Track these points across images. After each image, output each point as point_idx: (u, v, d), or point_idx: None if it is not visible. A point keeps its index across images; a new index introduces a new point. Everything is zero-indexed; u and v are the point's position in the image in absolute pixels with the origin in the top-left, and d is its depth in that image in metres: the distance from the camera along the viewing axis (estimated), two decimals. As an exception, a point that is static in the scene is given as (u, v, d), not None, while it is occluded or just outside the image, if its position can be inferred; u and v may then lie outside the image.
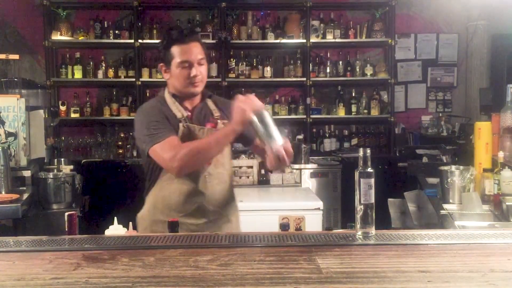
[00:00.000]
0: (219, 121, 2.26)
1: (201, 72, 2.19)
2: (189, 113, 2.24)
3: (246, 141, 2.32)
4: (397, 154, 5.57)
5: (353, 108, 5.86)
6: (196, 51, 2.18)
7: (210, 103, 2.30)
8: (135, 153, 5.66)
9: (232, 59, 5.72)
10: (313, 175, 5.07)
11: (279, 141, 1.90)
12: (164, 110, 2.19)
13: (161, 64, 2.25)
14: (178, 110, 2.20)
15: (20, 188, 3.48)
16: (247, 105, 1.96)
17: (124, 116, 5.71)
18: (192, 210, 2.19)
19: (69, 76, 5.68)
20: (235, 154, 4.23)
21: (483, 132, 3.02)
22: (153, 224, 2.23)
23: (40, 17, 5.64)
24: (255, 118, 1.92)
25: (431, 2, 6.01)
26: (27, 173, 3.58)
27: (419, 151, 5.02)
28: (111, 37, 5.67)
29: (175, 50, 2.17)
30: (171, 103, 2.22)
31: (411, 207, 3.54)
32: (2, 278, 1.41)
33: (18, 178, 3.55)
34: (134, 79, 5.65)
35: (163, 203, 2.22)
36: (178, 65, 2.17)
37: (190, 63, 2.16)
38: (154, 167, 2.22)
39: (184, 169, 2.07)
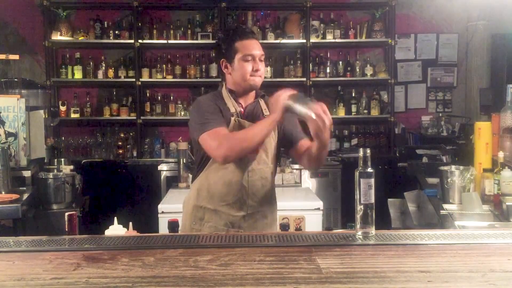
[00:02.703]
0: None
1: (261, 68, 2.31)
2: (242, 109, 2.35)
3: (289, 143, 2.38)
4: (397, 154, 5.57)
5: (353, 108, 5.86)
6: (258, 47, 2.31)
7: (262, 102, 2.41)
8: (135, 153, 5.67)
9: (232, 59, 5.71)
10: (313, 175, 5.07)
11: (315, 108, 2.01)
12: (219, 103, 2.31)
13: (222, 59, 2.37)
14: (232, 105, 2.32)
15: (20, 188, 3.49)
16: (280, 94, 2.11)
17: (124, 116, 5.71)
18: (233, 201, 2.29)
19: (69, 76, 5.69)
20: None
21: (483, 132, 3.02)
22: (195, 210, 2.33)
23: (40, 17, 5.65)
24: (289, 102, 2.06)
25: (431, 2, 6.01)
26: (27, 173, 3.59)
27: (419, 151, 5.02)
28: (111, 37, 5.67)
29: (239, 45, 2.30)
30: (227, 98, 2.34)
31: (411, 207, 3.55)
32: (2, 278, 1.41)
33: (18, 178, 3.55)
34: (134, 79, 5.65)
35: (207, 191, 2.31)
36: (241, 58, 2.29)
37: (253, 57, 2.28)
38: (204, 155, 2.30)
39: (229, 157, 2.16)
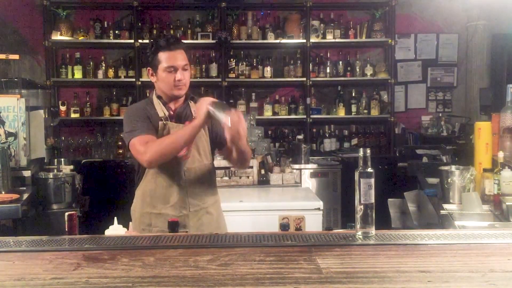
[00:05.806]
0: None
1: (184, 77, 2.38)
2: (172, 113, 2.43)
3: (219, 144, 2.49)
4: (397, 154, 5.56)
5: (353, 108, 5.86)
6: (181, 57, 2.37)
7: (192, 104, 2.48)
8: (135, 153, 5.66)
9: (232, 59, 5.72)
10: (313, 175, 5.07)
11: (232, 117, 2.11)
12: (148, 110, 2.40)
13: (149, 68, 2.44)
14: (161, 110, 2.41)
15: (20, 188, 3.48)
16: (205, 101, 2.20)
17: (124, 116, 5.70)
18: (174, 202, 2.38)
19: (69, 76, 5.69)
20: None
21: (483, 132, 3.01)
22: (142, 216, 2.41)
23: (40, 17, 5.65)
24: (211, 108, 2.14)
25: (431, 2, 6.01)
26: (27, 173, 3.58)
27: (419, 151, 5.01)
28: (111, 37, 5.68)
29: (162, 56, 2.35)
30: (157, 104, 2.43)
31: (411, 207, 3.54)
32: (2, 278, 1.41)
33: (18, 178, 3.54)
34: (134, 79, 5.66)
35: (150, 196, 2.40)
36: (164, 69, 2.35)
37: (175, 68, 2.35)
38: None
39: (154, 162, 2.27)
